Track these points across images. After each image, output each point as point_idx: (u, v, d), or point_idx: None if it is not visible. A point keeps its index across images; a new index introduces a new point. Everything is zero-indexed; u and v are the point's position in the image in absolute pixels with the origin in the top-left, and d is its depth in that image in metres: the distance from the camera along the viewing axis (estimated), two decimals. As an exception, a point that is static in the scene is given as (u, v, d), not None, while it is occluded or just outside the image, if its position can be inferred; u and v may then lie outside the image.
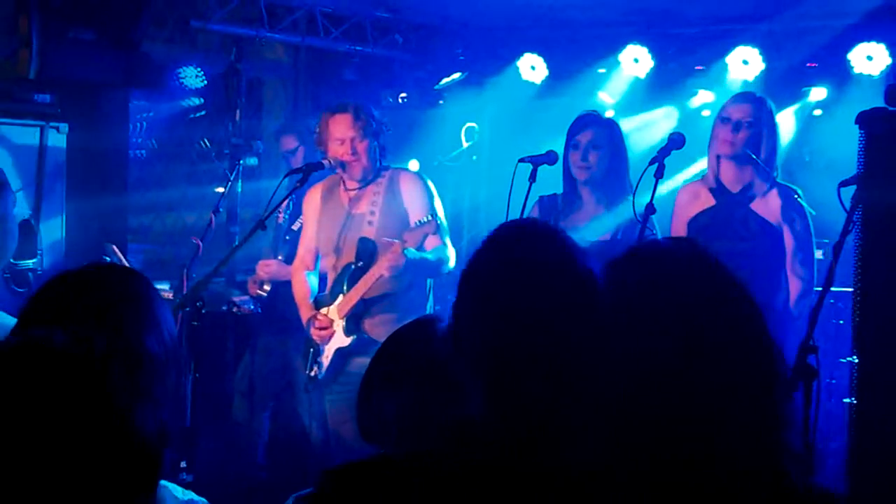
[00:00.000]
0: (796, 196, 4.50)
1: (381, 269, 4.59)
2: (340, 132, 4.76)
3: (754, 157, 4.46)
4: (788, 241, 4.47)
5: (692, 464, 1.53)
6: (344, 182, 4.91)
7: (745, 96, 4.68)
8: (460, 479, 1.61)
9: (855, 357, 3.49)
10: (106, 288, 1.95)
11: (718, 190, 4.59)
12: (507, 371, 1.65)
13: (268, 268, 5.62)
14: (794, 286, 4.45)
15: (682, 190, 4.75)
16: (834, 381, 5.04)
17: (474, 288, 1.72)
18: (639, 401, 1.55)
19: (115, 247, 5.71)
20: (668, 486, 1.53)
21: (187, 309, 4.36)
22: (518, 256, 1.71)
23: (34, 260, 5.23)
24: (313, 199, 5.05)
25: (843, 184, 3.53)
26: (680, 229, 4.66)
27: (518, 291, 1.66)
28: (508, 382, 1.65)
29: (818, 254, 4.64)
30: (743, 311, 1.60)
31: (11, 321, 2.06)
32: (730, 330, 1.57)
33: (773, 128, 4.56)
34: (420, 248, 4.60)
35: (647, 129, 6.91)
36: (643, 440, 1.55)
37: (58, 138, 5.71)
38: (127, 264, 5.66)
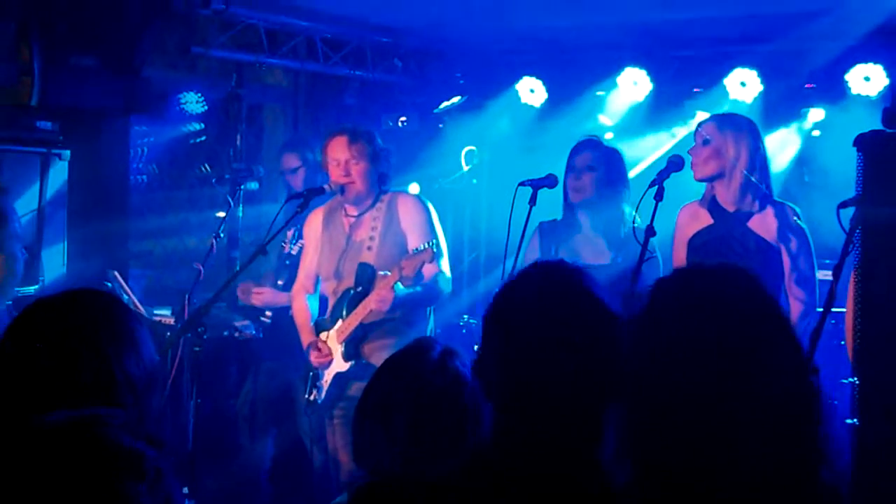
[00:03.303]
0: (793, 214, 4.49)
1: (370, 303, 4.62)
2: (336, 154, 4.81)
3: (746, 174, 4.46)
4: (786, 260, 4.45)
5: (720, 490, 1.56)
6: (345, 207, 4.93)
7: (706, 119, 4.70)
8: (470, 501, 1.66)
9: (856, 378, 3.48)
10: (83, 312, 1.99)
11: (715, 209, 4.58)
12: (524, 402, 1.71)
13: (260, 296, 5.61)
14: (794, 307, 4.43)
15: (682, 210, 4.75)
16: (836, 402, 5.03)
17: (498, 327, 1.79)
18: (671, 424, 1.58)
19: (116, 273, 5.72)
20: None
21: (189, 335, 4.36)
22: (541, 297, 1.78)
23: (36, 287, 5.24)
24: (314, 223, 5.06)
25: (843, 205, 3.53)
26: (680, 249, 4.66)
27: (538, 332, 1.72)
28: (524, 413, 1.71)
29: (821, 274, 4.63)
30: (787, 339, 1.62)
31: None
32: (775, 359, 1.59)
33: (745, 138, 4.47)
34: (418, 274, 4.61)
35: (646, 152, 6.94)
36: (671, 465, 1.58)
37: (60, 165, 5.72)
38: (128, 290, 5.67)
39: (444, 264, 4.82)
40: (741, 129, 4.51)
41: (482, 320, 1.84)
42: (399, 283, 4.56)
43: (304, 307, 5.05)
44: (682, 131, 7.04)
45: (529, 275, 1.85)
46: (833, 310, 3.60)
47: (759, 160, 4.50)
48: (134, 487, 1.41)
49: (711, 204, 4.57)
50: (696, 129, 4.62)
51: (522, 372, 1.72)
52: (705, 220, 4.60)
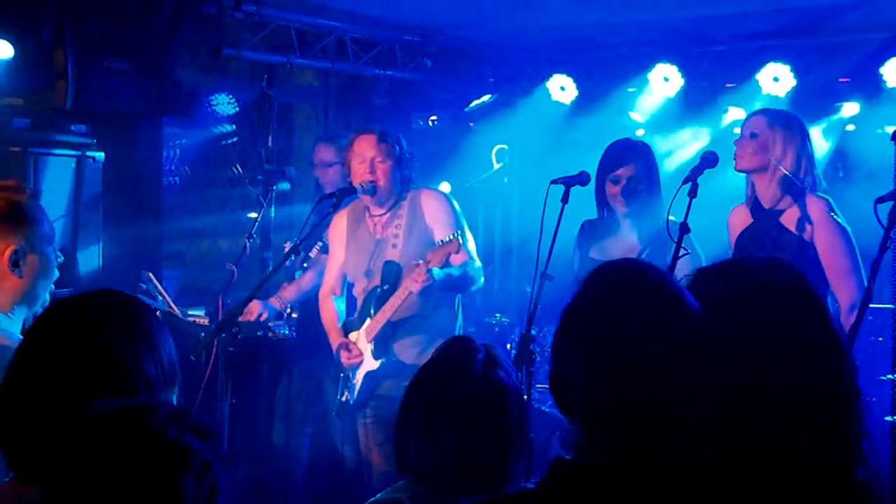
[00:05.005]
0: (828, 208, 4.44)
1: (407, 287, 4.59)
2: (362, 151, 4.80)
3: (787, 172, 4.42)
4: (822, 254, 4.40)
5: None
6: (369, 207, 4.93)
7: (758, 111, 4.67)
8: None
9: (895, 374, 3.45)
10: (102, 314, 2.02)
11: (755, 207, 4.57)
12: (615, 416, 1.59)
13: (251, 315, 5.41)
14: (842, 299, 4.37)
15: (731, 212, 4.76)
16: (874, 399, 4.98)
17: (575, 333, 1.66)
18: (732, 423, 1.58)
19: (150, 274, 5.76)
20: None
21: (223, 335, 4.38)
22: (620, 300, 1.64)
23: (71, 289, 5.28)
24: (339, 225, 5.06)
25: (880, 200, 3.50)
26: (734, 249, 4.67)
27: (621, 337, 1.60)
28: (616, 427, 1.60)
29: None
30: (826, 336, 1.61)
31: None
32: (813, 355, 1.58)
33: (794, 138, 4.45)
34: (445, 265, 4.60)
35: (679, 148, 6.91)
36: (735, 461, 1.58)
37: (94, 167, 5.77)
38: (163, 291, 5.71)
39: (474, 254, 4.82)
40: (791, 128, 4.48)
41: (554, 333, 1.68)
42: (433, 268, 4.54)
43: (331, 309, 5.06)
44: (714, 128, 7.01)
45: (602, 279, 1.68)
46: (871, 306, 3.56)
47: (805, 159, 4.47)
48: (180, 479, 1.43)
49: (754, 203, 4.57)
50: (746, 120, 4.60)
51: (611, 388, 1.58)
52: (747, 219, 4.60)
